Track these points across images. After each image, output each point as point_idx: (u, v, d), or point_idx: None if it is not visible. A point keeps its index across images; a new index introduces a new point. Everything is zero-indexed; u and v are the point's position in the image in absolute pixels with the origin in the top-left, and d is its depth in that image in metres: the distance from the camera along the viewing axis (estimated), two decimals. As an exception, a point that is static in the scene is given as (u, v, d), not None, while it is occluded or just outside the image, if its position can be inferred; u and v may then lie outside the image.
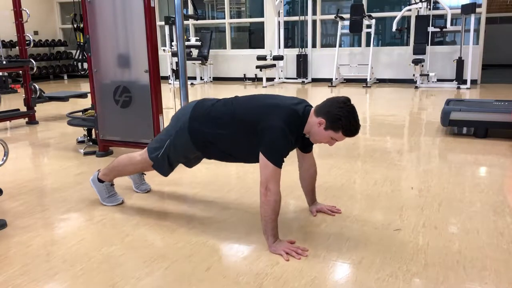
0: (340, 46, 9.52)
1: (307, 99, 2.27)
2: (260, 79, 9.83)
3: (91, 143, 4.11)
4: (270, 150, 2.05)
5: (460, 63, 8.42)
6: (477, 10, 8.40)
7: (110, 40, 3.52)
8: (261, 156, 2.06)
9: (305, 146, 2.37)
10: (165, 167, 2.42)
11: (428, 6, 8.83)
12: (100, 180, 2.69)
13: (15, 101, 7.07)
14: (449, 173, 3.21)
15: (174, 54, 8.75)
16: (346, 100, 2.08)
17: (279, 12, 9.92)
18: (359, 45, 10.11)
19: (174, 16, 3.54)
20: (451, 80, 8.70)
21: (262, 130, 2.07)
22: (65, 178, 3.29)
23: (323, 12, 10.29)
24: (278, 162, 2.04)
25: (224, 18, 11.06)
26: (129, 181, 2.99)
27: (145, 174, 3.00)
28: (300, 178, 2.49)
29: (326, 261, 1.98)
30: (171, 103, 6.25)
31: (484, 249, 2.06)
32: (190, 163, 2.57)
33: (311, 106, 2.19)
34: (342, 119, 2.03)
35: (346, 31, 9.38)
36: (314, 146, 2.41)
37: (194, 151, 2.37)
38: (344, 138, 2.11)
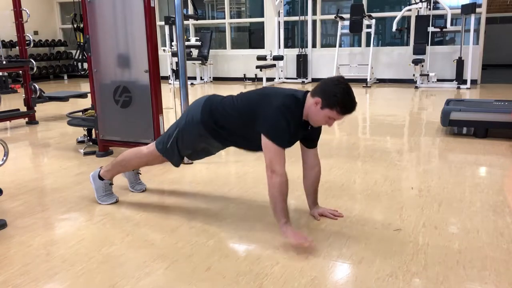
0: (340, 46, 9.52)
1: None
2: (260, 79, 9.83)
3: (91, 143, 4.11)
4: (270, 129, 2.07)
5: (460, 63, 8.42)
6: (477, 10, 8.39)
7: (110, 40, 3.52)
8: (262, 137, 2.08)
9: (308, 140, 2.33)
10: (174, 155, 2.45)
11: (428, 6, 8.82)
12: (100, 178, 2.70)
13: (15, 101, 7.06)
14: (449, 173, 3.21)
15: (174, 54, 8.75)
16: (340, 78, 2.10)
17: (279, 12, 9.92)
18: (359, 45, 10.10)
19: (174, 16, 3.53)
20: (451, 80, 8.70)
21: (261, 113, 2.10)
22: (65, 178, 3.29)
23: (323, 12, 10.29)
24: (279, 141, 2.06)
25: (224, 18, 11.05)
26: (125, 180, 2.98)
27: (140, 174, 3.00)
28: (304, 177, 2.43)
29: (326, 261, 1.98)
30: (171, 103, 6.24)
31: (484, 249, 2.06)
32: (194, 155, 2.60)
33: None
34: (338, 95, 2.04)
35: (346, 31, 9.38)
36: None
37: (205, 139, 2.37)
38: (341, 117, 2.11)
